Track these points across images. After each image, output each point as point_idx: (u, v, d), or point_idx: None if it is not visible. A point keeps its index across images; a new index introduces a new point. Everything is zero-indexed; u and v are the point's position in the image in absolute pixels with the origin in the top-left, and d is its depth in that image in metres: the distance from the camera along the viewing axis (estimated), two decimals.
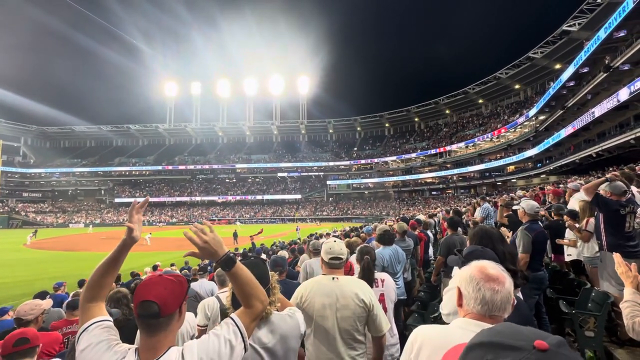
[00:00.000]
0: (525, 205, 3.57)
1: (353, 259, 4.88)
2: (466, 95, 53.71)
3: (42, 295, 5.55)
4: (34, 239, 29.50)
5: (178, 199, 64.44)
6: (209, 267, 7.78)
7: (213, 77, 74.34)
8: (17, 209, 57.91)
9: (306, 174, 66.82)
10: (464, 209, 10.71)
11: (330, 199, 63.34)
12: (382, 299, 2.54)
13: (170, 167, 67.13)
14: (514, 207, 4.88)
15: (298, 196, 63.46)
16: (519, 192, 11.37)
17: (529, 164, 39.92)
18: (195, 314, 3.03)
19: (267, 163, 67.58)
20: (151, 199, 63.75)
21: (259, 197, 63.66)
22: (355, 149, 68.99)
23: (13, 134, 68.06)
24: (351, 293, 1.96)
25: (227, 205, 63.73)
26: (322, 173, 65.65)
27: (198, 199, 64.28)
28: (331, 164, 65.39)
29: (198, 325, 2.96)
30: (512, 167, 43.84)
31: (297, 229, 29.64)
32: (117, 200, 64.17)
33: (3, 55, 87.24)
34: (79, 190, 67.57)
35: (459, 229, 4.86)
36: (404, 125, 68.65)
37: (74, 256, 20.57)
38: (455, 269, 2.12)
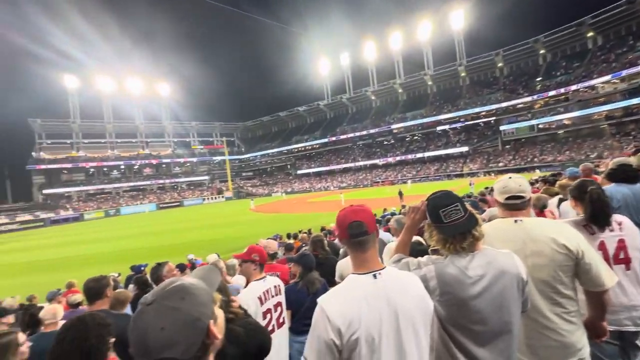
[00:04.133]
0: None
1: (553, 204, 3.90)
2: None
3: (181, 267, 5.62)
4: (254, 205, 40.42)
5: (344, 165, 71.05)
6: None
7: (359, 43, 74.87)
8: (241, 185, 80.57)
9: (471, 122, 58.49)
10: None
11: (507, 147, 53.28)
12: (621, 246, 1.88)
13: (334, 138, 74.38)
14: None
15: (464, 149, 56.81)
16: None
17: None
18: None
19: (423, 118, 63.44)
20: (322, 168, 73.67)
21: (419, 155, 61.32)
22: (539, 79, 53.99)
23: (229, 131, 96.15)
24: (544, 237, 1.57)
25: (389, 166, 65.00)
26: (493, 118, 55.55)
27: (361, 163, 68.68)
28: (504, 105, 54.11)
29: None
30: None
31: (470, 184, 27.09)
32: (299, 172, 77.63)
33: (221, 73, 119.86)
34: (274, 167, 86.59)
35: None
36: (620, 27, 47.57)
37: (278, 217, 26.89)
38: None
